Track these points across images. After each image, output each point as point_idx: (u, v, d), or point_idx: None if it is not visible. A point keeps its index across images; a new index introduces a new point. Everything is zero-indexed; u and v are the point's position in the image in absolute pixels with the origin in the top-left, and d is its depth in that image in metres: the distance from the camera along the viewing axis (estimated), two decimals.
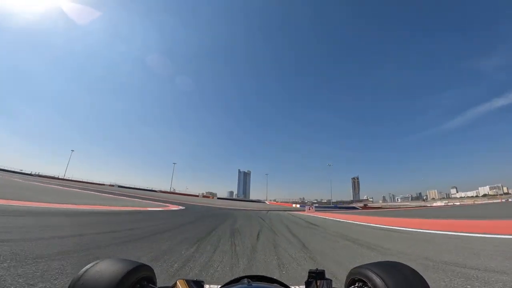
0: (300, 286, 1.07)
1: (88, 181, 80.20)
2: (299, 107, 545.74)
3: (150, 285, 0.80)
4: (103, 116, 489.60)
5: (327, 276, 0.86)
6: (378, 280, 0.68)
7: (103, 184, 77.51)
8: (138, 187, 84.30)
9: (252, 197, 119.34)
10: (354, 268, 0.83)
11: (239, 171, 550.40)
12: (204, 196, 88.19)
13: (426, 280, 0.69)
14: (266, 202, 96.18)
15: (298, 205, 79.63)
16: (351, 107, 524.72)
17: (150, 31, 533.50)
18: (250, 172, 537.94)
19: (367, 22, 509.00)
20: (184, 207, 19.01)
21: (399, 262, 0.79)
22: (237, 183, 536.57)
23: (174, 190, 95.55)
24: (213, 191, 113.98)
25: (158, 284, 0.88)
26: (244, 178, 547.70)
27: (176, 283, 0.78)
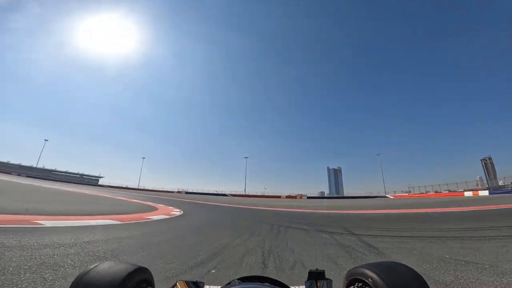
0: (300, 287, 1.00)
1: (162, 189, 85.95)
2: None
3: (149, 287, 0.78)
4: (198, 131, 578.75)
5: (327, 276, 0.83)
6: (378, 280, 0.65)
7: (172, 192, 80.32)
8: (207, 192, 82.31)
9: (346, 194, 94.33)
10: (354, 268, 0.78)
11: (328, 169, 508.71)
12: (288, 197, 75.55)
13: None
14: (388, 196, 61.73)
15: (486, 192, 39.15)
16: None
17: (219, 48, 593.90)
18: (340, 168, 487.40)
19: None
20: (181, 212, 12.04)
21: (398, 262, 0.74)
22: (327, 182, 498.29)
23: (262, 193, 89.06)
24: (303, 193, 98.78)
25: (156, 286, 0.85)
26: (335, 176, 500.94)
27: (176, 284, 0.76)
